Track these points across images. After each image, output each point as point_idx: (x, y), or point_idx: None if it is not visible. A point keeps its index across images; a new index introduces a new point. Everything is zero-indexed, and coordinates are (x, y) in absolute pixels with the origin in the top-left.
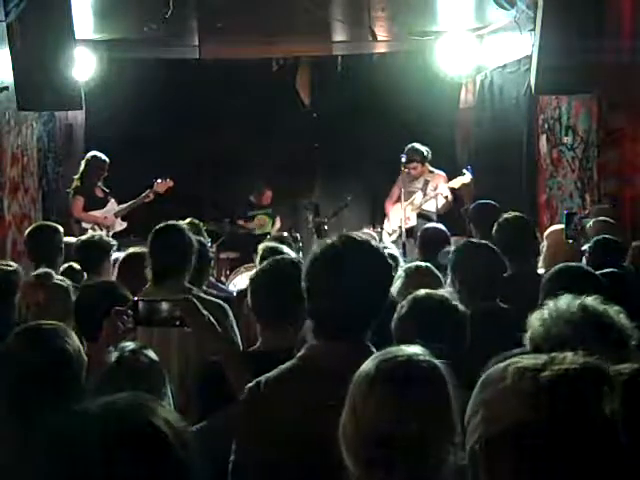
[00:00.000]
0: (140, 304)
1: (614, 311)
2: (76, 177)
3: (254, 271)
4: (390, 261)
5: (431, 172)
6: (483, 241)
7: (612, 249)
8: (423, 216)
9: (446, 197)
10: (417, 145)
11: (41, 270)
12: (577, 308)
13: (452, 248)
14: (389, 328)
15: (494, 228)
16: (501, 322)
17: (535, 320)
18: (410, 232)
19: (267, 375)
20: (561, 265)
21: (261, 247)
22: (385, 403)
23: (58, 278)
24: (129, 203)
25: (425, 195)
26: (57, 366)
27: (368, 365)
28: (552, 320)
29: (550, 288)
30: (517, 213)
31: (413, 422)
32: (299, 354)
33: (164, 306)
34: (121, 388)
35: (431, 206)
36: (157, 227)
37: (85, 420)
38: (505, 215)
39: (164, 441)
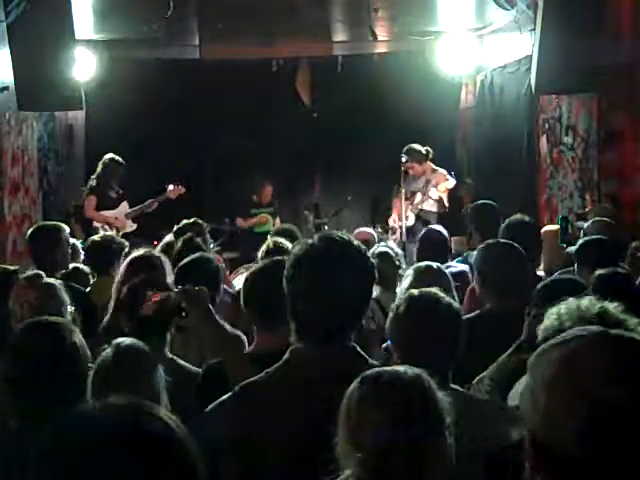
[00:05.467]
0: (148, 294)
1: (634, 323)
2: (93, 177)
3: (248, 272)
4: (372, 260)
5: (434, 171)
6: (509, 241)
7: (604, 248)
8: (421, 217)
9: (437, 200)
10: (415, 145)
11: (30, 272)
12: (597, 310)
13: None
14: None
15: (501, 230)
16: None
17: (551, 313)
18: (409, 231)
19: (252, 379)
20: (551, 278)
21: (267, 243)
22: (380, 411)
23: (48, 279)
24: (139, 206)
25: (424, 195)
26: (66, 360)
27: (358, 381)
28: (568, 316)
29: (538, 299)
30: (523, 217)
31: (407, 430)
32: (284, 358)
33: (172, 298)
34: (118, 385)
35: (431, 206)
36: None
37: (83, 422)
38: (513, 217)
39: (163, 444)
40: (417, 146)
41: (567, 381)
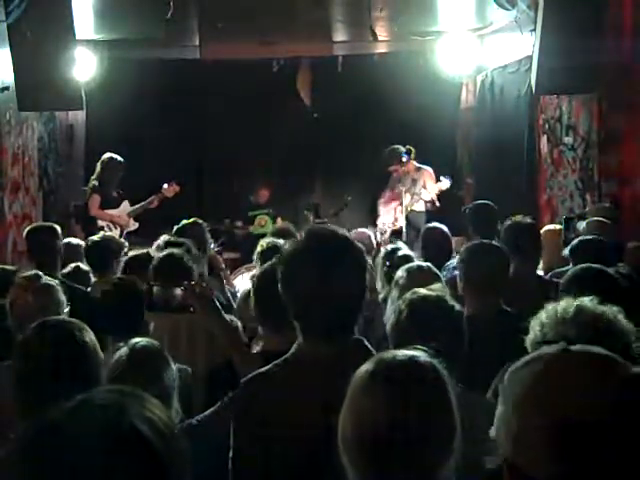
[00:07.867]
0: (154, 290)
1: (612, 312)
2: (93, 177)
3: (255, 272)
4: (366, 256)
5: (418, 169)
6: (492, 242)
7: (595, 249)
8: (410, 218)
9: (428, 201)
10: (395, 146)
11: (29, 272)
12: (573, 310)
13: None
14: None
15: (502, 230)
16: (504, 324)
17: (534, 324)
18: (399, 233)
19: (255, 375)
20: (583, 266)
21: (261, 244)
22: (383, 401)
23: (46, 279)
24: (139, 205)
25: (413, 196)
26: (77, 359)
27: (367, 364)
28: (549, 323)
29: (567, 291)
30: (524, 218)
31: (411, 421)
32: (287, 354)
33: (178, 292)
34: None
35: (420, 206)
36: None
37: (61, 419)
38: (513, 219)
39: (141, 441)
40: (397, 146)
41: (534, 404)
